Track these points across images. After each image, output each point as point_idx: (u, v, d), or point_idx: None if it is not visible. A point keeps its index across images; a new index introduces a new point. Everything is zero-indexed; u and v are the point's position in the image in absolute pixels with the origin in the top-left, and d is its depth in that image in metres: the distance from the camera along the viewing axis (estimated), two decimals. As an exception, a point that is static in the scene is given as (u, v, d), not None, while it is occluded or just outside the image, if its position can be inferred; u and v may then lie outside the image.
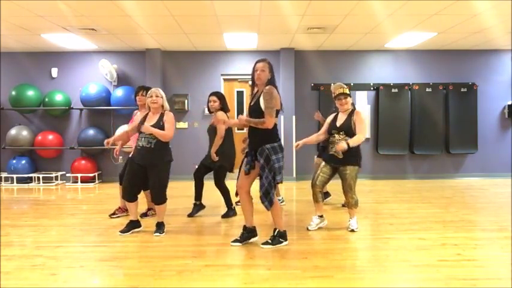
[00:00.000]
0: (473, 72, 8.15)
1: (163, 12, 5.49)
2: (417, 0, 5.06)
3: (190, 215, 4.92)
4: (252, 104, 3.66)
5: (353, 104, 4.34)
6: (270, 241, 3.71)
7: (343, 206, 5.31)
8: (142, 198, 4.64)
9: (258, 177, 3.65)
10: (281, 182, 3.67)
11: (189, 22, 6.05)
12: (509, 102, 8.12)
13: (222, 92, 7.46)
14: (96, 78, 7.93)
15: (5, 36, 6.71)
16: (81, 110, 7.93)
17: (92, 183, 7.72)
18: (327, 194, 5.64)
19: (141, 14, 5.63)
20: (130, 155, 4.49)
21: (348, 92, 4.21)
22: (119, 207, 5.00)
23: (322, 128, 4.41)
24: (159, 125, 4.01)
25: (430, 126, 7.98)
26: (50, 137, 7.68)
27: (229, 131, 4.81)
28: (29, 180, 7.83)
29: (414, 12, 5.58)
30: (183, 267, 3.19)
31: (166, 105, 4.18)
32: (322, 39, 7.19)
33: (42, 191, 7.07)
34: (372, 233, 4.23)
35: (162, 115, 4.08)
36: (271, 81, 3.59)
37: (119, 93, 7.58)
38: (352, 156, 4.09)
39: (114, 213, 4.95)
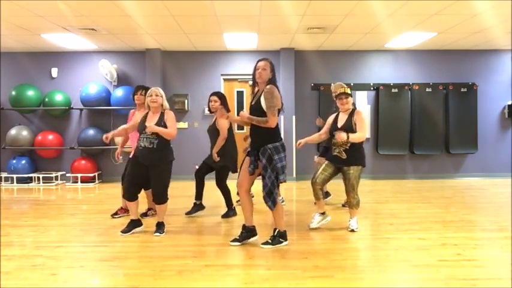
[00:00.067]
0: (473, 72, 8.15)
1: (163, 12, 5.49)
2: (417, 0, 5.06)
3: (188, 213, 4.93)
4: (253, 103, 3.65)
5: (354, 104, 4.33)
6: (270, 241, 3.71)
7: (343, 206, 5.31)
8: (143, 198, 4.64)
9: (261, 177, 3.64)
10: (285, 181, 3.66)
11: (189, 22, 6.05)
12: (509, 102, 8.12)
13: (222, 92, 7.45)
14: (96, 78, 7.93)
15: (5, 36, 6.71)
16: (81, 110, 7.93)
17: (92, 183, 7.72)
18: (327, 194, 5.63)
19: (141, 14, 5.63)
20: (130, 155, 4.49)
21: (349, 92, 4.21)
22: (121, 208, 5.00)
23: (324, 128, 4.41)
24: (161, 124, 4.00)
25: (430, 126, 7.98)
26: (50, 137, 7.68)
27: (230, 131, 4.81)
28: (29, 180, 7.83)
29: (414, 12, 5.58)
30: (183, 267, 3.19)
31: (166, 105, 4.17)
32: (322, 39, 7.19)
33: (42, 191, 7.07)
34: (372, 233, 4.23)
35: (162, 114, 4.08)
36: (272, 81, 3.59)
37: (118, 93, 7.58)
38: (356, 156, 4.10)
39: (116, 213, 4.95)
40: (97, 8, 5.28)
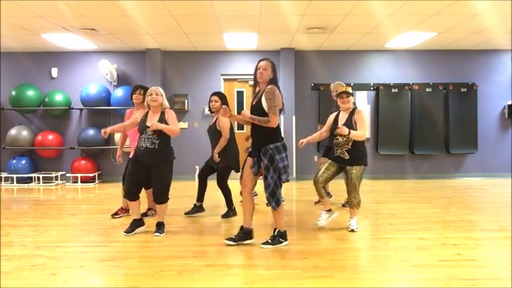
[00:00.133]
0: (473, 72, 8.15)
1: (163, 12, 5.49)
2: (417, 0, 5.06)
3: (187, 213, 4.93)
4: (254, 103, 3.65)
5: (354, 104, 4.32)
6: (270, 241, 3.71)
7: (344, 206, 5.31)
8: (143, 198, 4.64)
9: (263, 178, 3.63)
10: (287, 181, 3.65)
11: (189, 22, 6.05)
12: (509, 102, 8.12)
13: (223, 92, 7.45)
14: (96, 78, 7.93)
15: (5, 36, 6.71)
16: (81, 110, 7.93)
17: (92, 183, 7.72)
18: (328, 195, 5.61)
19: (141, 14, 5.63)
20: (130, 156, 4.49)
21: (350, 91, 4.20)
22: (121, 208, 4.99)
23: (325, 126, 4.41)
24: (162, 123, 3.99)
25: (430, 126, 7.98)
26: (50, 137, 7.68)
27: (230, 131, 4.81)
28: (29, 180, 7.83)
29: (414, 12, 5.58)
30: (183, 267, 3.19)
31: (166, 104, 4.16)
32: (322, 39, 7.19)
33: (42, 191, 7.07)
34: (372, 233, 4.23)
35: (162, 113, 4.06)
36: (274, 81, 3.58)
37: (119, 93, 7.57)
38: (359, 156, 4.11)
39: (116, 214, 4.95)
40: (97, 8, 5.28)
